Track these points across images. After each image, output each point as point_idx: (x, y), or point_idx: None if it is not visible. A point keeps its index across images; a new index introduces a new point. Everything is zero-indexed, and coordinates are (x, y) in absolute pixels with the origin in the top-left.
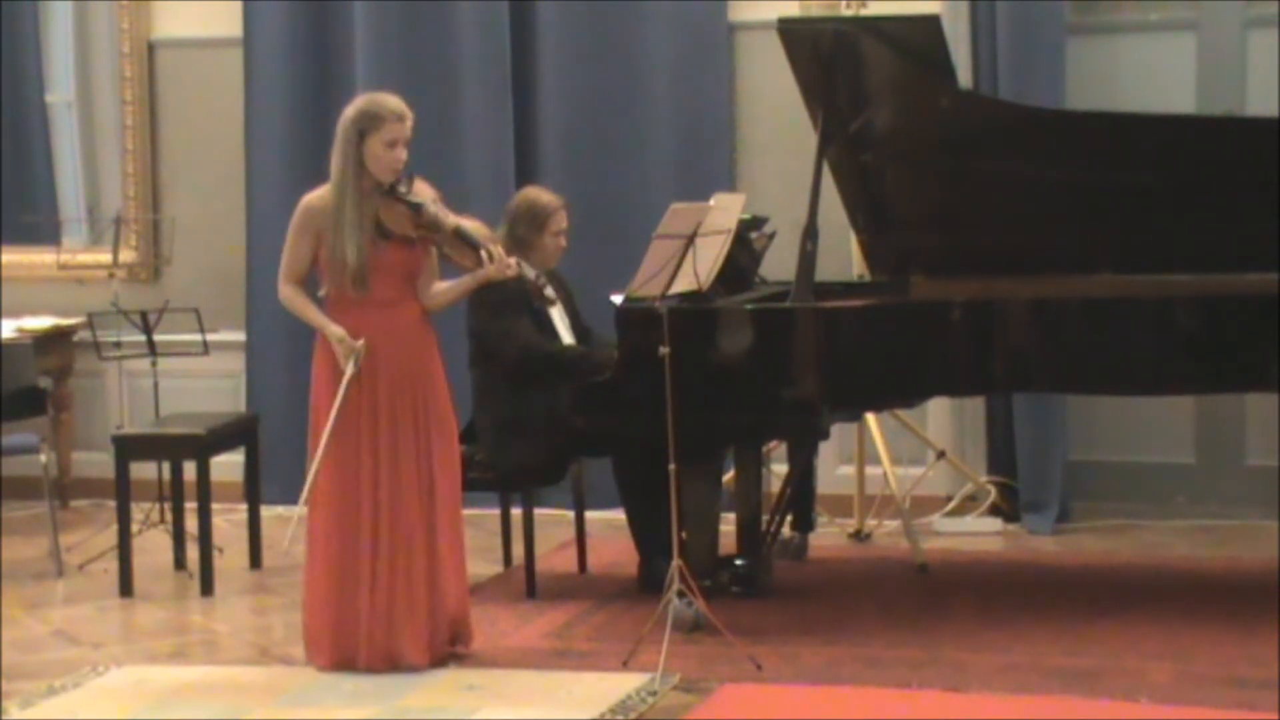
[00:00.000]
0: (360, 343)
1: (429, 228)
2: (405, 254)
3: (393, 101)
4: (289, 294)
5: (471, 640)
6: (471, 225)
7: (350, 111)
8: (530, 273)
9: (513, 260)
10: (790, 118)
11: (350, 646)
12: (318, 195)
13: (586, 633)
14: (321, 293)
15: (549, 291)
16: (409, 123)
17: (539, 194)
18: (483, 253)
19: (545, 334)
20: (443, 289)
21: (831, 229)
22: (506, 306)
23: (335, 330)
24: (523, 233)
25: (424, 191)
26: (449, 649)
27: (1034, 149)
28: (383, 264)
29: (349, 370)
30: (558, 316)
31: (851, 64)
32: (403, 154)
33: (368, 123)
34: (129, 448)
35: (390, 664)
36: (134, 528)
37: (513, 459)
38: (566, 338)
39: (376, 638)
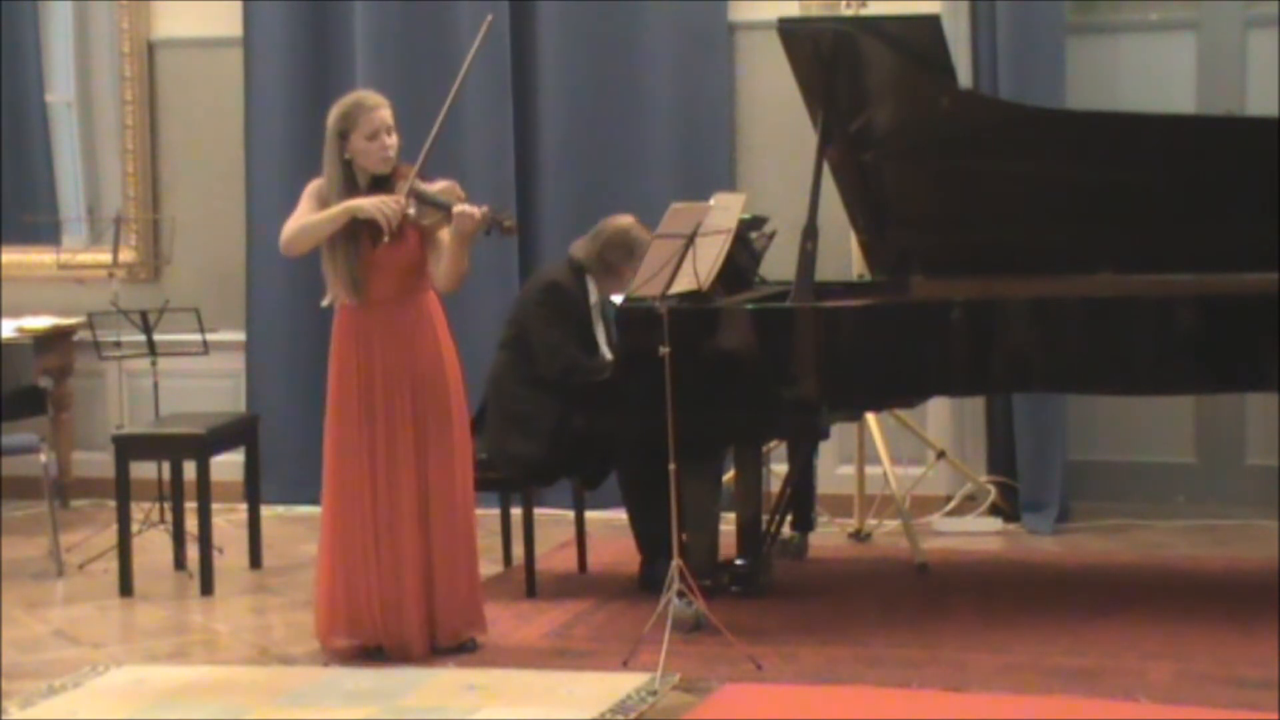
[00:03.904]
0: (399, 198)
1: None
2: (398, 250)
3: (367, 95)
4: (291, 226)
5: (483, 630)
6: (438, 186)
7: (329, 120)
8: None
9: (480, 210)
10: (790, 118)
11: (361, 632)
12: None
13: (586, 633)
14: (325, 302)
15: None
16: (386, 110)
17: (641, 230)
18: (455, 209)
19: (587, 348)
20: (439, 263)
21: (831, 229)
22: (564, 318)
23: (360, 201)
24: (613, 259)
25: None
26: (457, 637)
27: (1034, 149)
28: (377, 263)
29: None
30: (600, 333)
31: (851, 64)
32: (389, 141)
33: (345, 122)
34: (129, 447)
35: (397, 649)
36: (134, 528)
37: (510, 452)
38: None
39: (382, 623)
